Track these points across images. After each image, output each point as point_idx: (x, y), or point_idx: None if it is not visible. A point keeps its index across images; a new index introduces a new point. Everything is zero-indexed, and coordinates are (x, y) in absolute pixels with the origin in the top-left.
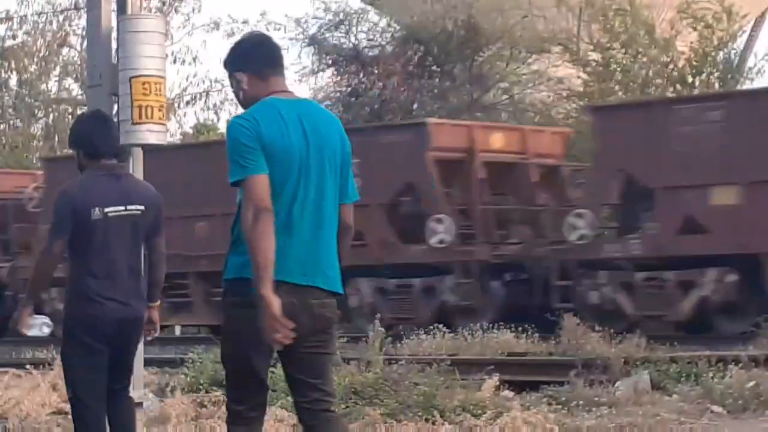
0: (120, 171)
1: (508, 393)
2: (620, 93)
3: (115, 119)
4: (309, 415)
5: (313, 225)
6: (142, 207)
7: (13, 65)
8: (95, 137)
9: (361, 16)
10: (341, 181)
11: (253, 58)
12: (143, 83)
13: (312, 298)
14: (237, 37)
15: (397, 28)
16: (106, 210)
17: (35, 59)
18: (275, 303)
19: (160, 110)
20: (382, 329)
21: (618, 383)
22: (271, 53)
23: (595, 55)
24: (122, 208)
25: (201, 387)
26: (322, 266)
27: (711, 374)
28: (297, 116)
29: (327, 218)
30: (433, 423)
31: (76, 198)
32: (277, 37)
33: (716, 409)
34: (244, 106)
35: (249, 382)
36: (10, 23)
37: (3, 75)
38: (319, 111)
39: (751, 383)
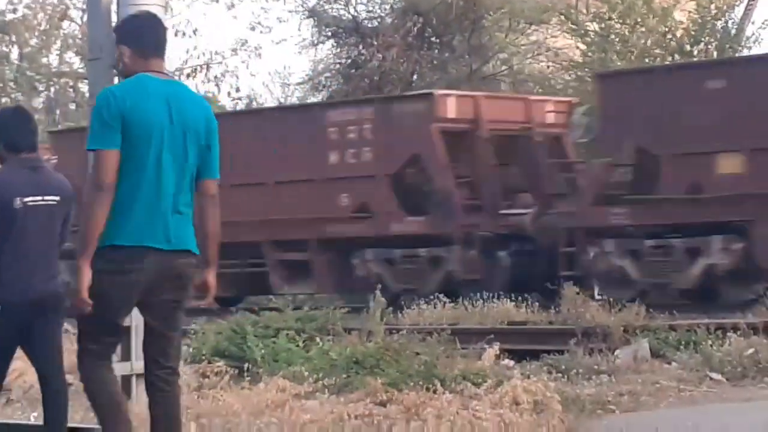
0: (37, 163)
1: (508, 362)
2: (619, 63)
3: None
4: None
5: (168, 194)
6: (57, 198)
7: (14, 39)
8: (15, 131)
9: None
10: (206, 159)
11: (138, 37)
12: None
13: (171, 258)
14: (238, 10)
15: None
16: (26, 200)
17: (36, 33)
18: (87, 276)
19: None
20: (383, 299)
21: (618, 351)
22: (157, 36)
23: (593, 26)
24: (40, 198)
25: (203, 358)
26: (177, 230)
27: (710, 342)
28: (165, 95)
29: (183, 189)
30: (434, 392)
31: (1, 188)
32: (277, 9)
33: (715, 376)
34: (123, 77)
35: (108, 330)
36: None
37: (4, 49)
38: (188, 93)
39: (750, 351)
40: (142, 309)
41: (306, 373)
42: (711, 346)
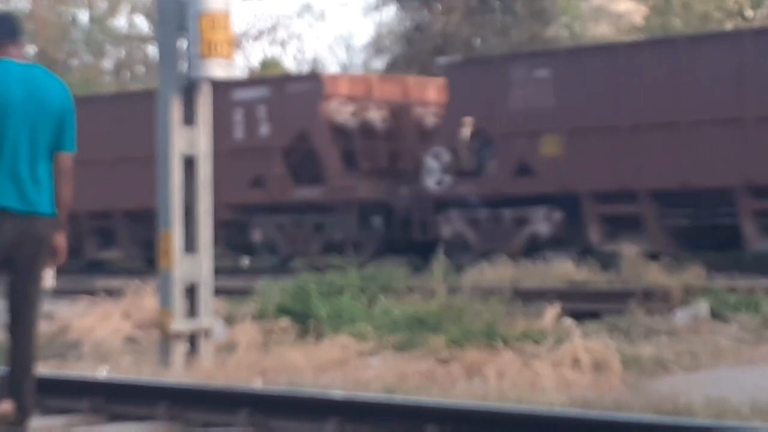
0: None
1: (569, 321)
2: (680, 27)
3: (186, 54)
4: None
5: (25, 164)
6: None
7: (84, 1)
8: None
9: None
10: (60, 134)
11: None
12: (211, 18)
13: (28, 221)
14: None
15: None
16: None
17: None
18: None
19: (227, 45)
20: (445, 258)
21: (677, 312)
22: (9, 27)
23: None
24: None
25: (269, 315)
26: (34, 196)
27: None
28: (23, 77)
29: (40, 160)
30: (496, 350)
31: None
32: None
33: None
34: None
35: None
36: None
37: (74, 11)
38: (45, 75)
39: None
40: (7, 267)
41: (369, 331)
42: None
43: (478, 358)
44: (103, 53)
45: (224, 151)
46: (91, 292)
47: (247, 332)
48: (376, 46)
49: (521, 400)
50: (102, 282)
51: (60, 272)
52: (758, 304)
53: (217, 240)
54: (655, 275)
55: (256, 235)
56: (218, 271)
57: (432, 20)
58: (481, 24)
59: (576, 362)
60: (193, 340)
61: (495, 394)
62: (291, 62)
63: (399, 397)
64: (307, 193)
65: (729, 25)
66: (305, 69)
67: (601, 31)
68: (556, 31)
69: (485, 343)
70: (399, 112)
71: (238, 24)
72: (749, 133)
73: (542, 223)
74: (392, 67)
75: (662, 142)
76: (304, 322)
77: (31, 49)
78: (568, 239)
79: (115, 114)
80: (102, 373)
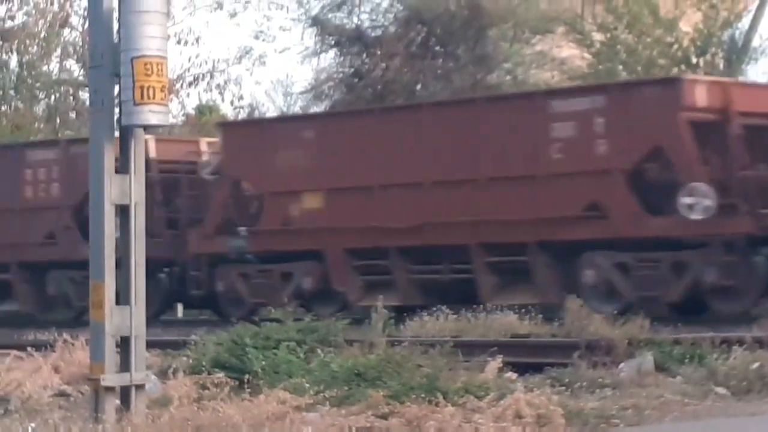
0: None
1: (511, 375)
2: (625, 74)
3: (117, 100)
4: None
5: None
6: None
7: (14, 47)
8: None
9: None
10: None
11: None
12: (145, 64)
13: None
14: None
15: (400, 8)
16: None
17: (36, 40)
18: None
19: (162, 91)
20: (385, 311)
21: (622, 365)
22: None
23: (599, 36)
24: None
25: (203, 369)
26: None
27: (715, 356)
28: None
29: None
30: (436, 404)
31: None
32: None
33: (720, 390)
34: None
35: None
36: (10, 4)
37: (4, 56)
38: None
39: (756, 364)
40: None
41: (307, 385)
42: (716, 359)
43: (418, 413)
44: (35, 99)
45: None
46: (18, 347)
47: (181, 387)
48: (315, 92)
49: None
50: (29, 335)
51: None
52: (703, 357)
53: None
54: (599, 327)
55: (52, 289)
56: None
57: (372, 66)
58: (422, 69)
59: (518, 417)
60: (125, 394)
61: None
62: (228, 108)
63: None
64: None
65: (674, 71)
66: (243, 115)
67: (545, 78)
68: (499, 77)
69: (425, 397)
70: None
71: (173, 69)
72: (482, 193)
73: (305, 277)
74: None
75: (409, 200)
76: (240, 376)
77: None
78: (332, 294)
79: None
80: (29, 430)
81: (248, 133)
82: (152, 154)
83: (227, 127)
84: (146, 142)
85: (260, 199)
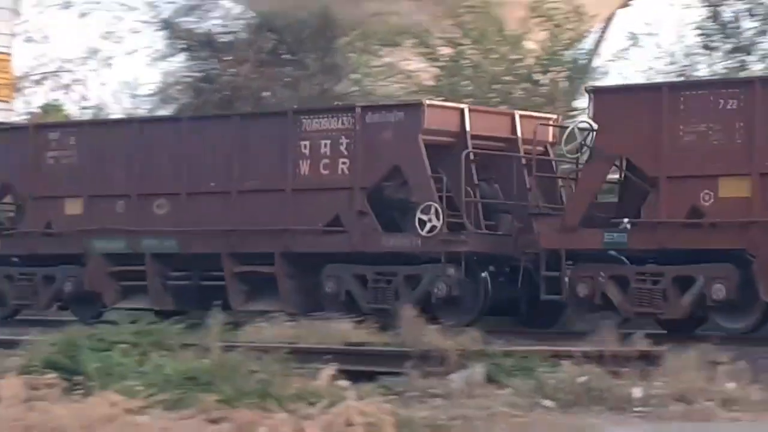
0: None
1: (344, 383)
2: (470, 88)
3: None
4: None
5: None
6: None
7: None
8: None
9: (215, 1)
10: None
11: None
12: None
13: None
14: (90, 19)
15: (251, 15)
16: None
17: None
18: None
19: (6, 88)
20: (221, 315)
21: (453, 375)
22: None
23: (446, 50)
24: None
25: (35, 369)
26: None
27: (544, 369)
28: None
29: None
30: (269, 410)
31: None
32: (129, 20)
33: (547, 403)
34: None
35: None
36: None
37: None
38: None
39: (583, 378)
40: None
41: (139, 388)
42: (545, 372)
43: (249, 419)
44: None
45: None
46: None
47: (10, 387)
48: (163, 96)
49: None
50: None
51: None
52: (532, 370)
53: None
54: (433, 338)
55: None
56: None
57: (221, 71)
58: (271, 77)
59: (349, 424)
60: None
61: None
62: (74, 107)
63: None
64: None
65: (518, 89)
66: (88, 115)
67: (392, 90)
68: (347, 86)
69: (258, 403)
70: None
71: (19, 66)
72: (234, 204)
73: (67, 281)
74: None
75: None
76: (73, 377)
77: None
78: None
79: None
80: None
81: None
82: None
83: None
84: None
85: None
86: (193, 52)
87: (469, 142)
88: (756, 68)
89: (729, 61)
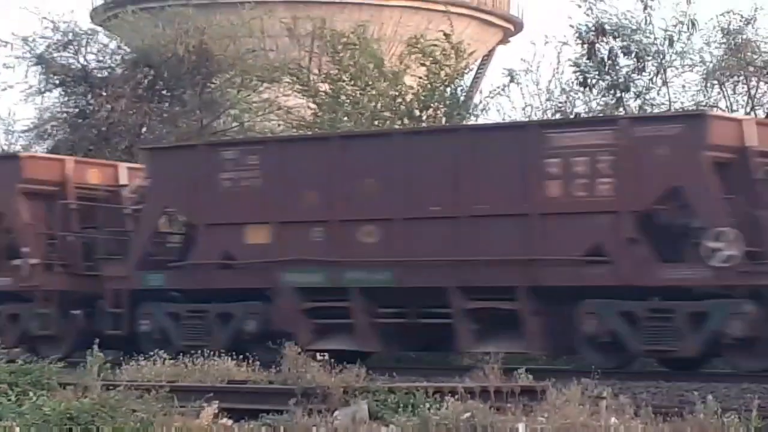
0: None
1: (226, 421)
2: (349, 124)
3: None
4: None
5: None
6: None
7: None
8: None
9: (91, 37)
10: None
11: None
12: None
13: None
14: None
15: (128, 50)
16: None
17: None
18: None
19: None
20: (101, 354)
21: (336, 412)
22: None
23: (324, 86)
24: None
25: None
26: None
27: (428, 405)
28: None
29: None
30: None
31: None
32: (2, 55)
33: None
34: None
35: None
36: None
37: None
38: None
39: (467, 414)
40: None
41: (17, 429)
42: (429, 409)
43: None
44: None
45: None
46: None
47: None
48: (38, 131)
49: None
50: None
51: None
52: (416, 406)
53: None
54: (316, 375)
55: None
56: None
57: (97, 107)
58: (148, 112)
59: None
60: None
61: None
62: None
63: None
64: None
65: (398, 125)
66: None
67: (271, 126)
68: (226, 123)
69: None
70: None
71: None
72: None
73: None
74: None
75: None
76: None
77: None
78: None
79: None
80: None
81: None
82: None
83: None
84: None
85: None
86: (68, 87)
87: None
88: (632, 104)
89: (606, 98)
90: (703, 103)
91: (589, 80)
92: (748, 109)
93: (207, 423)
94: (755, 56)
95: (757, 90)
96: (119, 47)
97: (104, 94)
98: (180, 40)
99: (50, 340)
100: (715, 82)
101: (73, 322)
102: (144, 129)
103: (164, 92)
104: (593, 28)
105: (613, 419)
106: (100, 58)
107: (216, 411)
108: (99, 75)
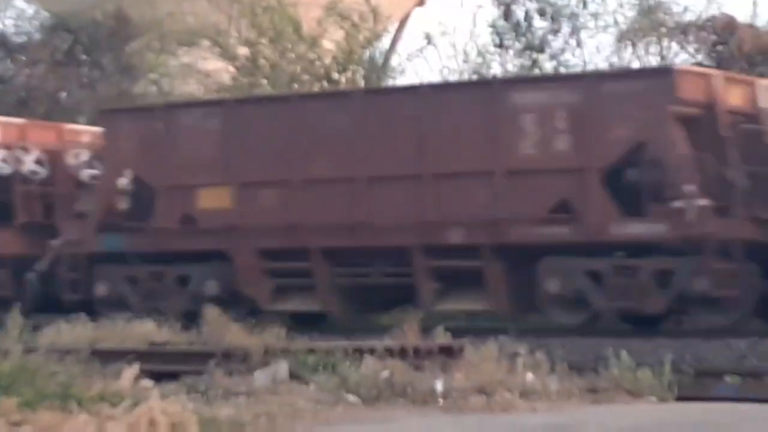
0: None
1: (147, 383)
2: (269, 88)
3: None
4: None
5: None
6: None
7: None
8: None
9: (9, 2)
10: None
11: None
12: None
13: None
14: None
15: (46, 15)
16: None
17: None
18: None
19: None
20: (20, 318)
21: (256, 373)
22: None
23: (243, 50)
24: None
25: None
26: None
27: (348, 364)
28: None
29: None
30: (71, 412)
31: None
32: None
33: (351, 398)
34: None
35: None
36: None
37: None
38: None
39: (386, 373)
40: None
41: None
42: (348, 368)
43: (51, 421)
44: None
45: None
46: None
47: None
48: None
49: None
50: None
51: None
52: (336, 365)
53: None
54: (236, 336)
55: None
56: None
57: (16, 72)
58: (67, 77)
59: (152, 424)
60: None
61: None
62: None
63: None
64: None
65: (316, 88)
66: None
67: (190, 90)
68: (144, 87)
69: (60, 405)
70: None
71: None
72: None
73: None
74: None
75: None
76: None
77: None
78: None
79: None
80: None
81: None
82: None
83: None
84: None
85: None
86: None
87: None
88: (547, 66)
89: (522, 59)
90: (616, 64)
91: (504, 42)
92: None
93: (128, 385)
94: (667, 17)
95: (669, 51)
96: (37, 13)
97: (22, 59)
98: (98, 5)
99: None
100: (629, 42)
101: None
102: (63, 94)
103: (83, 57)
104: None
105: (529, 375)
106: (18, 24)
107: (136, 373)
108: (17, 40)
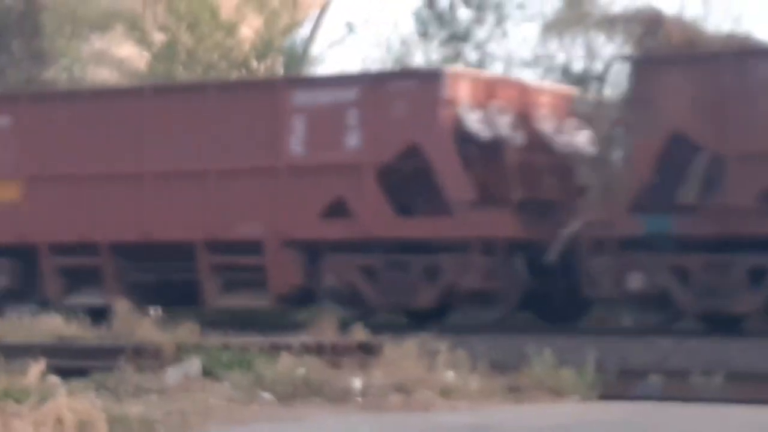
0: None
1: (54, 379)
2: (185, 74)
3: None
4: None
5: None
6: None
7: None
8: None
9: None
10: None
11: None
12: None
13: None
14: None
15: None
16: None
17: None
18: None
19: None
20: None
21: (168, 370)
22: None
23: (160, 36)
24: None
25: None
26: None
27: (263, 361)
28: None
29: None
30: None
31: None
32: None
33: (266, 395)
34: None
35: None
36: None
37: None
38: None
39: (302, 370)
40: None
41: None
42: (264, 365)
43: None
44: None
45: None
46: None
47: None
48: None
49: None
50: None
51: None
52: (250, 362)
53: None
54: (148, 331)
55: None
56: None
57: None
58: None
59: (59, 422)
60: None
61: None
62: None
63: None
64: None
65: (235, 75)
66: None
67: (103, 76)
68: (55, 73)
69: None
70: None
71: None
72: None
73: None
74: None
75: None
76: None
77: None
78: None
79: None
80: None
81: None
82: None
83: None
84: None
85: None
86: None
87: None
88: (472, 56)
89: (445, 49)
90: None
91: (428, 31)
92: (588, 62)
93: (34, 381)
94: (592, 8)
95: (595, 42)
96: None
97: None
98: None
99: None
100: (554, 33)
101: None
102: None
103: None
104: None
105: (450, 374)
106: None
107: (43, 369)
108: None
